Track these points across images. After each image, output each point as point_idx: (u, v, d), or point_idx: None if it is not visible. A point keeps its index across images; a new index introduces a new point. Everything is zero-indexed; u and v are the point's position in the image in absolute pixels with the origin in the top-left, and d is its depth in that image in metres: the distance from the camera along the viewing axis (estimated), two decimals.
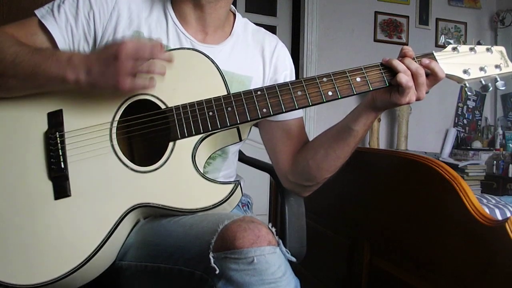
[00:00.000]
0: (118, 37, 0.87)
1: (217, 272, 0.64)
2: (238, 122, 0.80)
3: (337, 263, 1.48)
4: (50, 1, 0.89)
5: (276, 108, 0.80)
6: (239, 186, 0.78)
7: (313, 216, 1.47)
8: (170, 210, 0.76)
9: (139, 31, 0.89)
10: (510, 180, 2.82)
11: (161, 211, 0.77)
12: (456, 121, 3.44)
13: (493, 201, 1.34)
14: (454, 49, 0.84)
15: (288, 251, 0.69)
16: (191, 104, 0.80)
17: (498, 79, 0.84)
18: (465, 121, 3.45)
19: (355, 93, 0.81)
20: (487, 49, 0.85)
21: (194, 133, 0.79)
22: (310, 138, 0.98)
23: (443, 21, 3.38)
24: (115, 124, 0.79)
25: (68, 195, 0.75)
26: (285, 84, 0.81)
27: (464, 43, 0.85)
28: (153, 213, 0.80)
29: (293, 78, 1.02)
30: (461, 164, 2.81)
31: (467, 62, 0.83)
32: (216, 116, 0.79)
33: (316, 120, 3.04)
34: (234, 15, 1.01)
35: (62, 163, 0.77)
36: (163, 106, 0.80)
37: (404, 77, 0.77)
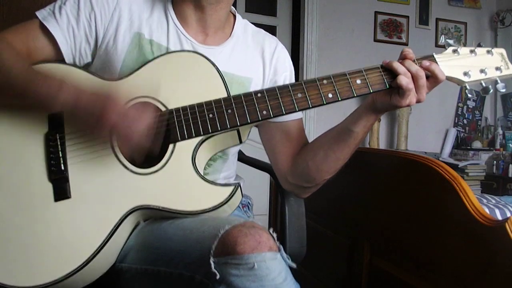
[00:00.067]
0: (119, 38, 0.88)
1: (217, 277, 0.64)
2: (238, 124, 0.80)
3: (337, 263, 1.48)
4: (51, 1, 0.89)
5: (276, 110, 0.80)
6: (239, 188, 0.78)
7: (313, 216, 1.47)
8: (170, 212, 0.76)
9: (140, 32, 0.89)
10: (510, 180, 2.83)
11: (161, 213, 0.77)
12: (456, 121, 3.44)
13: (493, 201, 1.34)
14: (455, 51, 0.84)
15: (289, 257, 0.68)
16: (191, 106, 0.80)
17: (499, 81, 0.84)
18: (465, 121, 3.45)
19: (355, 95, 0.81)
20: (488, 51, 0.85)
21: (194, 135, 0.79)
22: (310, 139, 0.98)
23: (443, 21, 3.37)
24: None
25: (68, 196, 0.75)
26: (285, 86, 0.81)
27: (464, 43, 0.85)
28: (153, 215, 0.80)
29: (293, 80, 1.02)
30: (461, 164, 2.81)
31: (468, 64, 0.83)
32: (216, 118, 0.79)
33: (316, 120, 3.04)
34: (234, 16, 1.01)
35: (62, 165, 0.77)
36: (163, 108, 0.80)
37: (405, 79, 0.78)
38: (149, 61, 0.84)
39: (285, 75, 1.00)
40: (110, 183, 0.77)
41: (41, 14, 0.86)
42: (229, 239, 0.65)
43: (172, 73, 0.83)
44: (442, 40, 3.36)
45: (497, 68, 0.84)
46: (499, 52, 0.85)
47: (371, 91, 0.81)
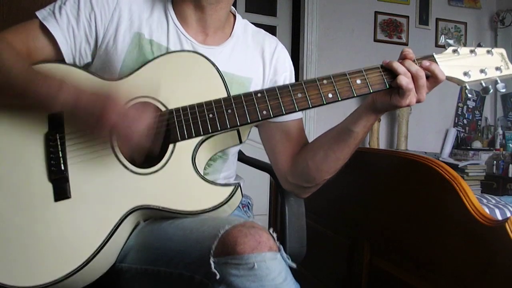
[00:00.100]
0: (119, 38, 0.88)
1: (217, 277, 0.64)
2: (238, 124, 0.80)
3: (337, 263, 1.48)
4: (51, 1, 0.89)
5: (276, 110, 0.80)
6: (239, 188, 0.78)
7: (313, 216, 1.47)
8: (170, 212, 0.77)
9: (140, 32, 0.89)
10: (510, 180, 2.83)
11: (161, 213, 0.77)
12: (456, 121, 3.44)
13: (493, 201, 1.34)
14: (455, 51, 0.84)
15: (289, 257, 0.68)
16: (191, 106, 0.80)
17: (499, 81, 0.84)
18: (465, 121, 3.46)
19: (355, 95, 0.81)
20: (488, 51, 0.85)
21: (194, 135, 0.79)
22: (310, 139, 0.98)
23: (443, 21, 3.38)
24: None
25: (68, 196, 0.75)
26: (285, 86, 0.81)
27: (464, 43, 0.85)
28: (153, 215, 0.81)
29: (293, 80, 1.02)
30: (461, 164, 2.81)
31: (468, 64, 0.83)
32: (216, 118, 0.79)
33: (316, 120, 3.05)
34: (234, 16, 1.01)
35: (62, 165, 0.77)
36: (163, 108, 0.80)
37: (405, 79, 0.78)
38: (149, 61, 0.84)
39: (285, 75, 1.00)
40: (110, 183, 0.77)
41: (41, 14, 0.86)
42: (229, 239, 0.65)
43: (172, 73, 0.83)
44: (442, 40, 3.36)
45: (497, 68, 0.84)
46: (499, 52, 0.85)
47: (371, 91, 0.81)
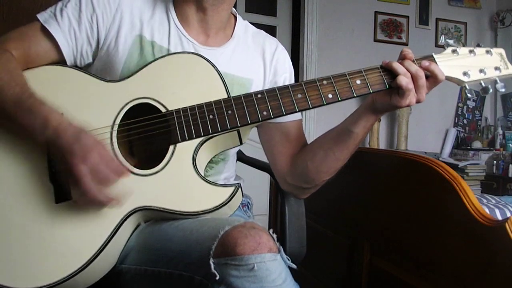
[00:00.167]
0: (121, 40, 0.88)
1: (217, 278, 0.64)
2: (239, 125, 0.80)
3: (337, 263, 1.48)
4: (51, 1, 0.88)
5: (276, 111, 0.80)
6: (240, 189, 0.79)
7: (313, 216, 1.47)
8: (171, 213, 0.77)
9: (142, 34, 0.89)
10: (510, 180, 2.83)
11: (162, 214, 0.78)
12: (456, 121, 3.44)
13: (493, 201, 1.34)
14: (454, 51, 0.84)
15: (289, 258, 0.69)
16: (192, 107, 0.80)
17: (498, 81, 0.84)
18: (465, 121, 3.46)
19: (355, 95, 0.81)
20: (487, 51, 0.85)
21: (194, 136, 0.79)
22: (310, 139, 0.98)
23: (443, 21, 3.38)
24: (115, 127, 0.79)
25: (69, 198, 0.75)
26: (285, 87, 0.81)
27: (464, 43, 0.85)
28: (154, 216, 0.81)
29: (293, 81, 1.02)
30: (461, 164, 2.81)
31: (467, 64, 0.83)
32: (217, 119, 0.79)
33: (316, 120, 3.05)
34: (235, 17, 1.01)
35: None
36: (163, 110, 0.80)
37: (404, 79, 0.78)
38: (150, 62, 0.85)
39: (285, 76, 1.00)
40: None
41: (42, 16, 0.86)
42: (229, 240, 0.65)
43: (172, 75, 0.83)
44: (442, 40, 3.36)
45: (496, 68, 0.84)
46: (498, 52, 0.85)
47: (371, 91, 0.81)
